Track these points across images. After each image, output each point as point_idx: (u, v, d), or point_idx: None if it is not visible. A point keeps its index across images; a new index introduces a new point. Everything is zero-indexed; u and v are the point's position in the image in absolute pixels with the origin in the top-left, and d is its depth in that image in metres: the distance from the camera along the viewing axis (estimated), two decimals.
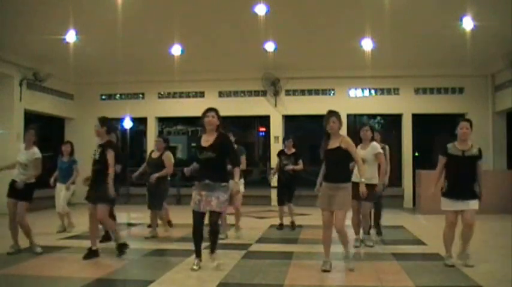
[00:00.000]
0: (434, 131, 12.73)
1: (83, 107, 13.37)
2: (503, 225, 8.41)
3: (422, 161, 12.10)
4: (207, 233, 5.11)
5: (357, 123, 13.53)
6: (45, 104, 12.17)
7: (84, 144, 13.34)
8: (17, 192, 5.81)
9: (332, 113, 5.21)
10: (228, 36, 10.60)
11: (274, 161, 12.74)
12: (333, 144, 5.01)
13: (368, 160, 6.09)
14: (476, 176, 5.05)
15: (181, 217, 8.12)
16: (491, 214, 9.47)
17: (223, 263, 5.08)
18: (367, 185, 5.71)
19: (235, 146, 6.30)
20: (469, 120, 5.31)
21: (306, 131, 14.57)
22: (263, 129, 13.98)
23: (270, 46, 10.86)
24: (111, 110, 13.33)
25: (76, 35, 9.78)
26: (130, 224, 9.16)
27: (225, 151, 5.04)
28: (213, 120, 5.06)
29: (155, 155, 7.20)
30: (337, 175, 4.93)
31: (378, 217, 7.17)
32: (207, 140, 5.06)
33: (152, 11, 9.47)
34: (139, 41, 10.59)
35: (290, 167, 7.76)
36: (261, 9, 9.15)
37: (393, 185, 12.41)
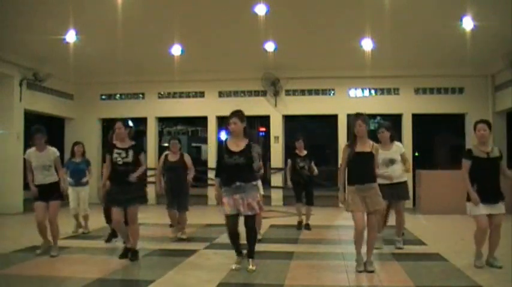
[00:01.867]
0: (434, 131, 12.74)
1: (83, 107, 13.38)
2: (503, 225, 8.38)
3: (423, 161, 12.10)
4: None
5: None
6: (45, 104, 12.18)
7: (84, 144, 13.41)
8: (47, 194, 5.76)
9: (359, 116, 5.07)
10: (228, 36, 10.59)
11: (274, 161, 12.78)
12: (362, 147, 4.98)
13: (397, 159, 6.08)
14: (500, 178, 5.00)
15: None
16: None
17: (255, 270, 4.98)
18: (400, 183, 5.88)
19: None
20: (486, 122, 5.12)
21: (306, 131, 14.59)
22: (263, 129, 13.98)
23: (270, 46, 10.86)
24: (111, 110, 13.37)
25: (76, 35, 9.77)
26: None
27: (253, 158, 5.02)
28: (235, 128, 5.07)
29: (173, 158, 7.01)
30: (368, 176, 4.95)
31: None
32: (236, 144, 5.02)
33: (152, 11, 9.46)
34: (139, 41, 10.58)
35: (314, 171, 7.81)
36: (261, 9, 9.14)
37: None
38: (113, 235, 6.62)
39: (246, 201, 4.87)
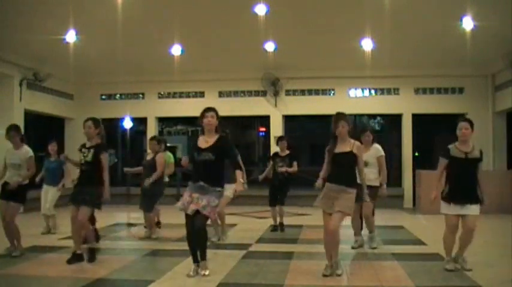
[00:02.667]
0: (434, 131, 12.73)
1: (83, 107, 13.36)
2: (503, 225, 8.41)
3: (422, 161, 12.10)
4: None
5: (357, 123, 13.54)
6: (45, 104, 12.18)
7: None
8: (10, 194, 5.64)
9: (340, 117, 4.96)
10: (228, 36, 10.59)
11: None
12: (342, 148, 4.88)
13: (370, 162, 6.08)
14: (478, 180, 4.89)
15: (182, 217, 8.11)
16: (491, 214, 9.46)
17: (210, 273, 4.78)
18: (370, 187, 5.72)
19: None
20: (468, 120, 5.12)
21: (306, 131, 14.58)
22: (263, 129, 13.97)
23: (270, 46, 10.86)
24: (111, 110, 13.37)
25: (76, 35, 9.77)
26: (130, 224, 9.16)
27: (225, 154, 4.85)
28: (212, 121, 4.87)
29: (149, 156, 7.17)
30: (345, 178, 4.80)
31: None
32: (206, 141, 4.84)
33: (152, 11, 9.46)
34: (139, 41, 10.58)
35: (283, 168, 7.56)
36: (261, 9, 9.14)
37: (393, 185, 12.48)
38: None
39: (199, 201, 4.69)
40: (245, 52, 11.21)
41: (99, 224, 7.23)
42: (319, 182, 4.99)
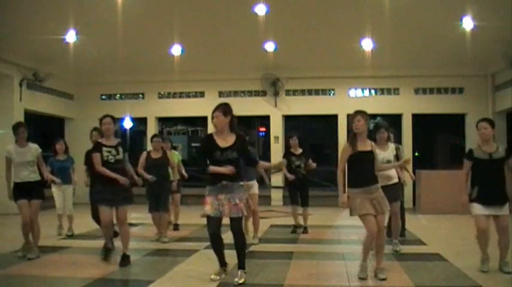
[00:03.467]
0: (434, 131, 12.75)
1: (83, 107, 13.37)
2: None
3: (423, 161, 12.11)
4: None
5: None
6: (45, 104, 12.17)
7: (84, 144, 13.40)
8: (29, 192, 5.60)
9: (358, 112, 4.94)
10: (228, 36, 10.60)
11: (274, 161, 12.76)
12: (363, 146, 4.74)
13: (391, 160, 5.91)
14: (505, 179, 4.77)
15: (182, 217, 8.12)
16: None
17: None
18: (393, 185, 5.73)
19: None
20: (488, 120, 5.02)
21: (306, 131, 14.60)
22: (263, 129, 13.99)
23: (270, 46, 10.86)
24: (111, 110, 13.23)
25: (76, 35, 9.78)
26: (130, 224, 9.15)
27: (244, 152, 4.72)
28: (218, 121, 4.60)
29: (155, 155, 6.92)
30: (373, 176, 4.73)
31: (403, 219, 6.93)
32: (224, 140, 4.62)
33: (152, 11, 9.47)
34: (139, 41, 10.59)
35: (313, 164, 7.43)
36: (261, 9, 9.15)
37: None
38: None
39: (233, 202, 4.49)
40: (245, 52, 11.21)
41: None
42: (343, 197, 4.72)
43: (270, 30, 9.92)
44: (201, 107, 13.15)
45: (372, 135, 5.95)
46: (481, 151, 4.90)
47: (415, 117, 12.55)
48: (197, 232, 7.62)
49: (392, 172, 5.87)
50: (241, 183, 4.66)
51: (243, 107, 13.07)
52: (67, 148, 7.67)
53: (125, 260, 5.24)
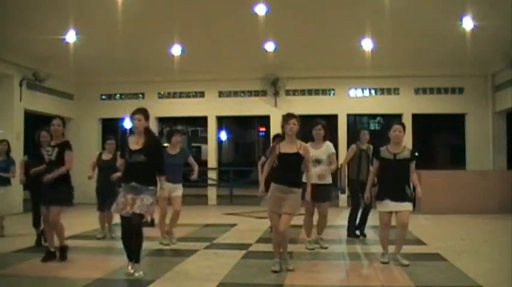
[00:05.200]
0: (434, 131, 12.75)
1: (83, 107, 13.38)
2: (503, 225, 8.41)
3: (423, 161, 12.10)
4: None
5: (357, 123, 13.55)
6: (45, 104, 12.17)
7: (84, 144, 13.40)
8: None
9: (292, 115, 5.10)
10: (228, 36, 10.60)
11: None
12: (289, 148, 4.93)
13: (323, 160, 5.94)
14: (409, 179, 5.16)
15: (181, 217, 8.11)
16: (491, 214, 9.49)
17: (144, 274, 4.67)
18: (323, 186, 5.75)
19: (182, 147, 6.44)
20: (402, 124, 5.33)
21: (306, 130, 14.56)
22: (263, 129, 13.99)
23: (270, 46, 10.86)
24: (111, 110, 13.37)
25: (76, 35, 9.78)
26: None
27: (155, 155, 4.80)
28: (139, 124, 4.79)
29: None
30: (292, 179, 4.86)
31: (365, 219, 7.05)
32: (136, 142, 4.79)
33: (152, 11, 9.47)
34: (139, 41, 10.59)
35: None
36: (261, 9, 9.16)
37: None
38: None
39: (134, 201, 4.60)
40: (245, 52, 11.21)
41: (98, 225, 7.24)
42: (262, 190, 5.18)
43: (270, 30, 9.92)
44: (201, 107, 13.16)
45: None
46: (388, 151, 5.20)
47: (415, 117, 12.55)
48: (197, 232, 7.62)
49: (323, 172, 5.86)
50: (151, 187, 4.73)
51: (243, 107, 13.16)
52: (9, 149, 7.44)
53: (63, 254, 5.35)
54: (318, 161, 5.85)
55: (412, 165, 5.19)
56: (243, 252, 5.99)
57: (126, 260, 4.74)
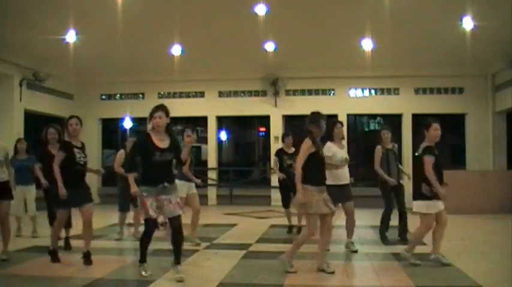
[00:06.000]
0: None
1: (83, 107, 13.35)
2: (503, 225, 8.41)
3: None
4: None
5: (357, 123, 13.55)
6: (45, 104, 12.18)
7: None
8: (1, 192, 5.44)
9: (319, 115, 5.03)
10: (228, 36, 10.60)
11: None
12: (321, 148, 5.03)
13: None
14: None
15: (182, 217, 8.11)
16: (491, 214, 9.49)
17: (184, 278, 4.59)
18: (345, 185, 5.75)
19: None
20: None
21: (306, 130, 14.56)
22: (263, 129, 13.98)
23: (270, 46, 10.86)
24: (111, 110, 13.37)
25: (76, 35, 9.79)
26: (130, 224, 9.14)
27: (179, 153, 4.79)
28: (160, 122, 4.61)
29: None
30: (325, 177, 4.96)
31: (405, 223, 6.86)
32: (161, 140, 4.63)
33: (152, 11, 9.47)
34: (139, 41, 10.59)
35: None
36: (261, 9, 9.16)
37: None
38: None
39: (171, 202, 4.59)
40: (245, 52, 11.22)
41: (100, 224, 7.26)
42: (301, 195, 4.85)
43: (270, 30, 9.93)
44: (201, 107, 13.17)
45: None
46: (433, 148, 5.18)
47: (415, 117, 12.55)
48: (197, 232, 7.61)
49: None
50: (175, 185, 4.74)
51: (243, 107, 13.16)
52: (29, 147, 7.28)
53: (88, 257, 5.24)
54: (346, 161, 5.80)
55: None
56: (243, 252, 5.99)
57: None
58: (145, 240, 4.74)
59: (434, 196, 5.00)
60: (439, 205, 5.11)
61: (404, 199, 6.59)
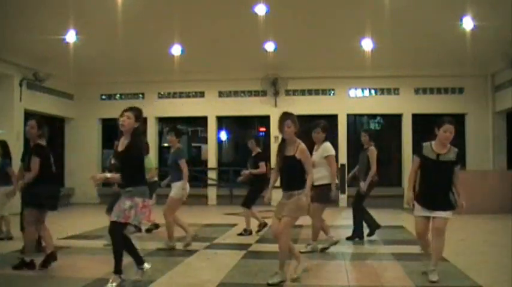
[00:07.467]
0: (434, 131, 12.73)
1: (83, 107, 13.39)
2: (503, 225, 8.41)
3: None
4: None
5: (357, 123, 13.55)
6: (45, 104, 12.18)
7: (84, 144, 13.42)
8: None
9: (287, 116, 4.71)
10: (228, 36, 10.60)
11: (274, 161, 12.78)
12: (288, 151, 4.63)
13: (319, 163, 5.78)
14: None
15: (182, 217, 8.10)
16: (491, 214, 9.49)
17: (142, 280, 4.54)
18: (317, 186, 5.55)
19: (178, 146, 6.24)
20: (453, 123, 4.69)
21: (307, 130, 14.57)
22: (263, 129, 13.98)
23: (270, 46, 10.87)
24: (111, 110, 13.34)
25: (76, 35, 9.79)
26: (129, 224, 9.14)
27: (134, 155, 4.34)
28: (125, 122, 4.30)
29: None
30: (291, 182, 4.59)
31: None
32: (122, 143, 4.38)
33: (152, 11, 9.47)
34: (139, 41, 10.60)
35: (247, 171, 7.40)
36: (261, 9, 9.16)
37: (393, 185, 12.47)
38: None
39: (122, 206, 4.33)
40: (245, 52, 11.22)
41: (99, 224, 7.26)
42: (269, 197, 4.95)
43: (270, 30, 9.93)
44: (201, 107, 13.16)
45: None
46: (431, 149, 4.74)
47: (415, 117, 12.56)
48: (197, 232, 7.60)
49: (319, 173, 5.68)
50: (127, 189, 4.35)
51: (243, 107, 13.16)
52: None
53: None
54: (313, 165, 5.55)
55: (457, 169, 4.57)
56: (243, 252, 5.99)
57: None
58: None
59: (416, 199, 4.65)
60: (420, 210, 4.60)
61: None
